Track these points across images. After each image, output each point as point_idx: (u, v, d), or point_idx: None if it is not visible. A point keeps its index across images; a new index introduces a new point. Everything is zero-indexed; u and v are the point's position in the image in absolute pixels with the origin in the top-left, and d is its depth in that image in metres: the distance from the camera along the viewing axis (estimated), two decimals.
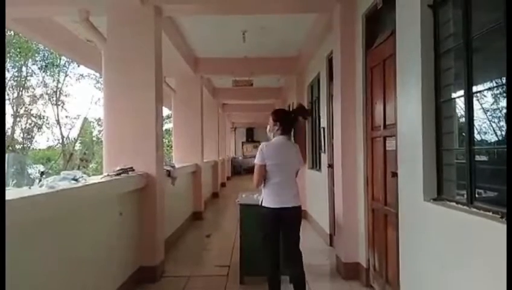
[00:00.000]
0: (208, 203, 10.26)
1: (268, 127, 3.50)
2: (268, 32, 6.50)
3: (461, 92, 2.32)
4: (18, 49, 17.61)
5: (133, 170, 4.18)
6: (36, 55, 18.94)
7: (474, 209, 2.13)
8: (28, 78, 19.33)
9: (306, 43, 6.93)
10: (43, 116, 20.35)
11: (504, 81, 1.94)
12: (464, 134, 2.33)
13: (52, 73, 20.05)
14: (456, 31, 2.44)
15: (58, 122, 20.86)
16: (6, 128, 15.76)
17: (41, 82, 19.89)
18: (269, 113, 3.55)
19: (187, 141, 8.49)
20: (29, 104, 19.76)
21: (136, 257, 4.25)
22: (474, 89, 2.26)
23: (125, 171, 3.99)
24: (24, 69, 18.98)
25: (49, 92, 20.28)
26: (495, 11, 2.00)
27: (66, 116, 21.30)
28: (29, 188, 2.69)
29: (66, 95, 20.83)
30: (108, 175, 3.83)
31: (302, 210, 3.52)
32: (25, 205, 2.22)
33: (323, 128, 6.12)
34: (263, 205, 3.34)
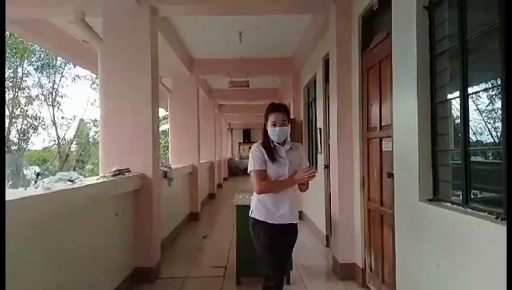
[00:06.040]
0: (205, 204, 10.23)
1: (286, 130, 2.92)
2: (264, 33, 6.50)
3: (457, 93, 2.33)
4: (14, 50, 17.52)
5: (129, 171, 4.17)
6: (32, 55, 18.86)
7: (470, 210, 2.14)
8: (24, 78, 19.26)
9: (302, 44, 6.94)
10: (39, 117, 20.29)
11: (499, 82, 1.94)
12: (459, 135, 2.34)
13: (48, 74, 19.97)
14: (451, 32, 2.45)
15: (54, 123, 20.79)
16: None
17: (37, 83, 19.83)
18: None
19: (183, 142, 8.46)
20: (24, 105, 19.68)
21: (132, 258, 4.24)
22: (470, 90, 2.27)
23: (121, 172, 3.98)
24: (20, 69, 18.90)
25: (45, 92, 20.22)
26: (490, 13, 2.01)
27: (62, 117, 21.27)
28: (25, 189, 2.68)
29: (62, 96, 20.78)
30: (104, 176, 3.82)
31: (299, 211, 3.47)
32: (21, 207, 2.21)
33: (320, 129, 6.12)
34: None
